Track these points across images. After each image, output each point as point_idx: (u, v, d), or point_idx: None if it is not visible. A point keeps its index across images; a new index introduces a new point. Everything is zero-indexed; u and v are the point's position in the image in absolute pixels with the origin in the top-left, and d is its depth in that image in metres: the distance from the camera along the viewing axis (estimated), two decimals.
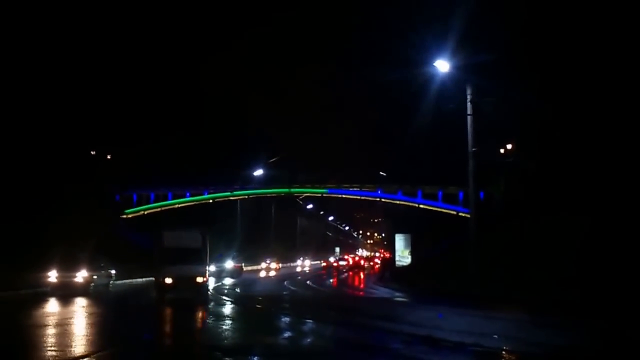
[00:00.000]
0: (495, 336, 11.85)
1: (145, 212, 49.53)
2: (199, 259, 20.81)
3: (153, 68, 49.89)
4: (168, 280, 19.74)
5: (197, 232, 22.18)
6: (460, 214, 39.66)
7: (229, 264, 40.73)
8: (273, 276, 45.42)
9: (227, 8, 67.84)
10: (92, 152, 46.53)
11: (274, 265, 55.35)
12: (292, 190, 51.92)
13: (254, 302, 21.12)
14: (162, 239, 20.96)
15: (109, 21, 46.25)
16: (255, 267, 54.48)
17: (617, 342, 11.22)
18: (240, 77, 62.09)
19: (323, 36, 69.02)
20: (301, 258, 74.24)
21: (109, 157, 47.87)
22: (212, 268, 32.80)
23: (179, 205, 50.25)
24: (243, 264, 44.60)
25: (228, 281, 35.31)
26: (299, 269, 61.76)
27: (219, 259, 39.04)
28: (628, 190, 20.08)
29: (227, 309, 19.38)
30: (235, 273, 40.47)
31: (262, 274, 48.26)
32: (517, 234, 24.21)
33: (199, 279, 20.30)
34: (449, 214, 42.28)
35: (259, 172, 48.94)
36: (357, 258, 76.00)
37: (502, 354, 10.45)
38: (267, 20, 67.64)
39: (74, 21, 40.90)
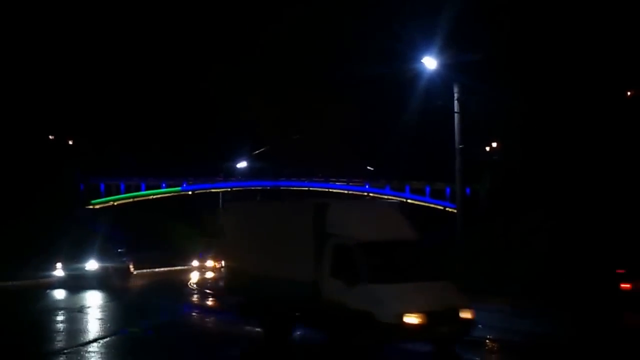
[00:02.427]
0: (480, 326, 12.26)
1: (115, 203, 47.29)
2: (429, 267, 10.55)
3: (131, 53, 49.15)
4: (412, 319, 9.02)
5: (393, 205, 13.50)
6: (447, 209, 40.19)
7: (92, 265, 24.92)
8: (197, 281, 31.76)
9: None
10: (51, 137, 43.26)
11: (210, 263, 39.87)
12: (279, 183, 51.59)
13: None
14: (324, 222, 10.26)
15: (86, 10, 45.48)
16: (180, 267, 42.56)
17: (589, 330, 11.81)
18: (225, 69, 61.72)
19: (311, 31, 68.99)
20: None
21: (70, 142, 45.06)
22: (59, 272, 24.66)
23: (154, 197, 48.33)
24: (132, 264, 29.46)
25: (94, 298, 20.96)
26: None
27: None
28: (604, 189, 20.81)
29: None
30: (105, 278, 24.67)
31: (193, 276, 35.08)
32: (500, 230, 24.74)
33: (466, 313, 9.68)
34: (436, 208, 42.78)
35: (243, 164, 47.33)
36: None
37: (485, 342, 10.90)
38: (254, 13, 67.37)
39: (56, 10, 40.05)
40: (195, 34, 62.67)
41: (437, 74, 21.81)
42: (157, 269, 39.21)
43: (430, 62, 21.29)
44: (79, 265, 24.98)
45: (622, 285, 14.56)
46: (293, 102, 60.15)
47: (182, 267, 42.71)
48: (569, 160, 22.42)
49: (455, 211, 24.87)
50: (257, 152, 44.65)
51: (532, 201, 23.35)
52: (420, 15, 27.94)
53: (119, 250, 29.20)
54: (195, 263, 41.75)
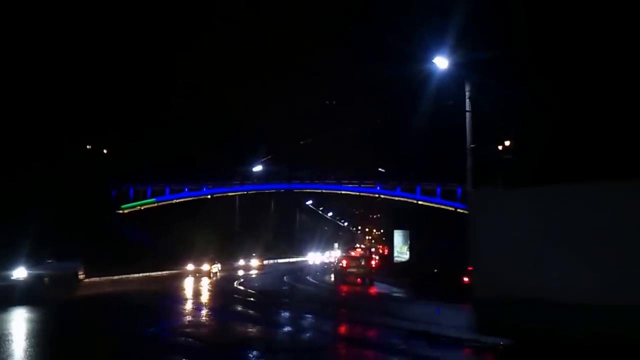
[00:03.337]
0: None
1: (142, 208, 48.57)
2: None
3: (150, 61, 49.71)
4: None
5: None
6: (458, 210, 39.71)
7: (20, 273, 21.06)
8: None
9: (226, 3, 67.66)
10: (88, 147, 45.53)
11: (206, 267, 37.01)
12: (292, 186, 51.91)
13: None
14: None
15: (103, 14, 46.08)
16: (170, 272, 38.64)
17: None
18: (241, 72, 62.09)
19: (323, 30, 68.97)
20: (253, 254, 53.56)
21: (105, 151, 47.08)
22: (20, 274, 20.84)
23: (177, 201, 49.45)
24: (81, 270, 23.66)
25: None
26: (240, 272, 44.36)
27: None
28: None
29: None
30: (39, 289, 20.52)
31: (187, 285, 29.80)
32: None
33: None
34: (448, 210, 42.33)
35: (258, 168, 48.40)
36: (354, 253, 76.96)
37: (499, 348, 10.53)
38: (266, 12, 67.41)
39: (68, 14, 40.55)
40: (209, 41, 63.09)
41: (449, 73, 21.53)
42: (131, 275, 32.79)
43: (441, 62, 21.02)
44: (6, 274, 21.14)
45: (464, 279, 18.58)
46: (305, 106, 60.31)
47: (174, 272, 38.86)
48: (587, 159, 21.97)
49: (466, 212, 24.45)
50: (264, 159, 45.02)
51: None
52: (429, 15, 27.63)
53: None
54: (190, 267, 38.11)
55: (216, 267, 37.76)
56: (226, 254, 49.63)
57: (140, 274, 34.07)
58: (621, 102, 21.14)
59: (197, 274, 36.37)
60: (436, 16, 25.19)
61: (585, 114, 22.15)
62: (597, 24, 22.21)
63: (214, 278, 34.75)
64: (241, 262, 50.86)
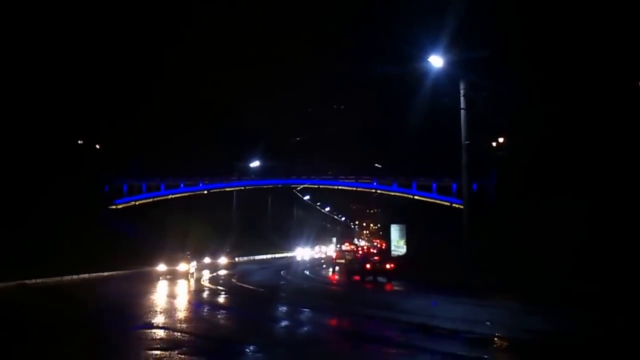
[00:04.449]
0: (488, 323, 12.32)
1: (137, 203, 48.15)
2: None
3: (147, 57, 49.47)
4: None
5: None
6: (453, 205, 40.15)
7: None
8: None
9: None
10: (80, 142, 45.01)
11: (184, 267, 29.44)
12: (289, 182, 52.11)
13: None
14: None
15: (103, 14, 45.93)
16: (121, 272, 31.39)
17: (605, 329, 11.75)
18: (239, 68, 62.07)
19: (319, 28, 69.01)
20: (227, 250, 47.67)
21: (97, 146, 46.67)
22: None
23: (172, 197, 49.19)
24: None
25: None
26: (206, 273, 33.23)
27: None
28: (620, 179, 20.69)
29: None
30: None
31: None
32: (508, 225, 24.76)
33: None
34: (443, 205, 42.78)
35: (255, 164, 48.62)
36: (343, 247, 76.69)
37: (494, 340, 10.86)
38: (265, 8, 67.35)
39: (53, 9, 40.18)
40: (208, 39, 63.07)
41: (444, 71, 21.89)
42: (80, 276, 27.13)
43: (436, 61, 21.35)
44: None
45: (366, 266, 26.70)
46: (303, 103, 60.50)
47: (134, 271, 32.67)
48: (578, 156, 22.37)
49: (461, 207, 24.95)
50: (261, 155, 45.05)
51: (543, 195, 23.35)
52: (425, 15, 27.90)
53: None
54: (161, 267, 29.62)
55: (193, 267, 31.11)
56: (198, 251, 41.62)
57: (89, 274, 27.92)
58: (614, 99, 21.50)
59: (168, 276, 28.53)
60: (431, 16, 25.46)
61: (578, 111, 22.52)
62: (589, 22, 22.54)
63: (193, 281, 27.40)
64: (207, 259, 43.09)
